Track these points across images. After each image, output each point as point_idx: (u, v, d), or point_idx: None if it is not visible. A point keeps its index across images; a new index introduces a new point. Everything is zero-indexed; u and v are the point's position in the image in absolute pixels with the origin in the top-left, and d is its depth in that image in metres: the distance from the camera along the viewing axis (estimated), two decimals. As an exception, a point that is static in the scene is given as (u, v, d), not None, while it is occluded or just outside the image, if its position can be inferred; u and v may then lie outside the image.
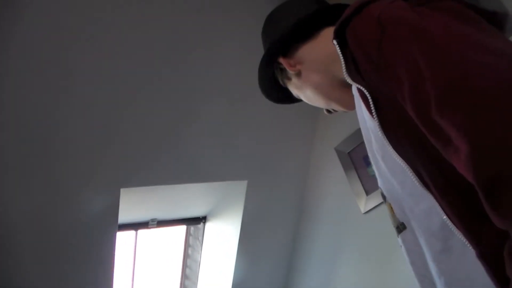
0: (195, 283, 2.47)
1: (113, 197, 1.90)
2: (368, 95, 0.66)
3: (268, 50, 0.89)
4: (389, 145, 0.64)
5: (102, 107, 1.77)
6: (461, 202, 0.58)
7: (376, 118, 0.65)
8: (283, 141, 2.26)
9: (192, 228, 2.50)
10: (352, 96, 0.74)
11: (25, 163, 1.69)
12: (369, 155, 0.75)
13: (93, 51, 1.68)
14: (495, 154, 0.48)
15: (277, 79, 0.94)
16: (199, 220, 2.48)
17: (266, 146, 2.21)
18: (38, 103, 1.65)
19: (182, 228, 2.49)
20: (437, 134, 0.55)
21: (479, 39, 0.56)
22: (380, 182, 0.75)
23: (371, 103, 0.66)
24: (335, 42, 0.71)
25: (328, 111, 0.93)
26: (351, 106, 0.81)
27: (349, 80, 0.70)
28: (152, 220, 2.35)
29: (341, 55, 0.71)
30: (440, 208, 0.60)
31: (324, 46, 0.82)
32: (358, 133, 1.97)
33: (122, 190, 1.90)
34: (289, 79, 0.91)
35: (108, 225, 1.92)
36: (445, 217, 0.60)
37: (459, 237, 0.59)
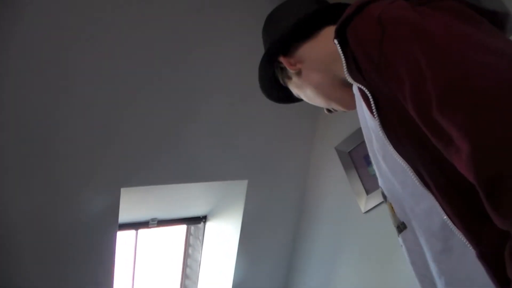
0: (196, 283, 2.47)
1: (114, 197, 1.90)
2: (369, 95, 0.66)
3: (269, 49, 0.89)
4: (390, 144, 0.64)
5: (102, 107, 1.77)
6: (461, 202, 0.58)
7: (377, 118, 0.65)
8: (283, 140, 2.26)
9: (192, 227, 2.51)
10: (352, 95, 0.74)
11: (25, 163, 1.69)
12: (370, 154, 0.75)
13: (93, 51, 1.68)
14: (495, 154, 0.48)
15: (278, 78, 0.94)
16: (200, 219, 2.48)
17: (266, 145, 2.21)
18: (38, 103, 1.65)
19: (183, 227, 2.49)
20: (438, 134, 0.55)
21: (480, 39, 0.56)
22: (380, 182, 0.75)
23: (372, 102, 0.66)
24: (336, 41, 0.71)
25: (329, 110, 0.93)
26: (351, 105, 0.81)
27: (350, 80, 0.70)
28: (153, 219, 2.35)
29: (342, 54, 0.70)
30: (441, 208, 0.60)
31: (324, 46, 0.82)
32: (358, 132, 1.97)
33: (122, 189, 1.90)
34: (290, 78, 0.91)
35: (108, 224, 1.92)
36: (445, 217, 0.60)
37: (459, 237, 0.59)
